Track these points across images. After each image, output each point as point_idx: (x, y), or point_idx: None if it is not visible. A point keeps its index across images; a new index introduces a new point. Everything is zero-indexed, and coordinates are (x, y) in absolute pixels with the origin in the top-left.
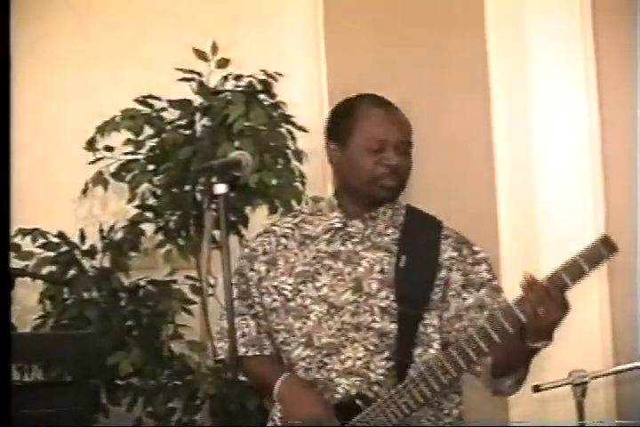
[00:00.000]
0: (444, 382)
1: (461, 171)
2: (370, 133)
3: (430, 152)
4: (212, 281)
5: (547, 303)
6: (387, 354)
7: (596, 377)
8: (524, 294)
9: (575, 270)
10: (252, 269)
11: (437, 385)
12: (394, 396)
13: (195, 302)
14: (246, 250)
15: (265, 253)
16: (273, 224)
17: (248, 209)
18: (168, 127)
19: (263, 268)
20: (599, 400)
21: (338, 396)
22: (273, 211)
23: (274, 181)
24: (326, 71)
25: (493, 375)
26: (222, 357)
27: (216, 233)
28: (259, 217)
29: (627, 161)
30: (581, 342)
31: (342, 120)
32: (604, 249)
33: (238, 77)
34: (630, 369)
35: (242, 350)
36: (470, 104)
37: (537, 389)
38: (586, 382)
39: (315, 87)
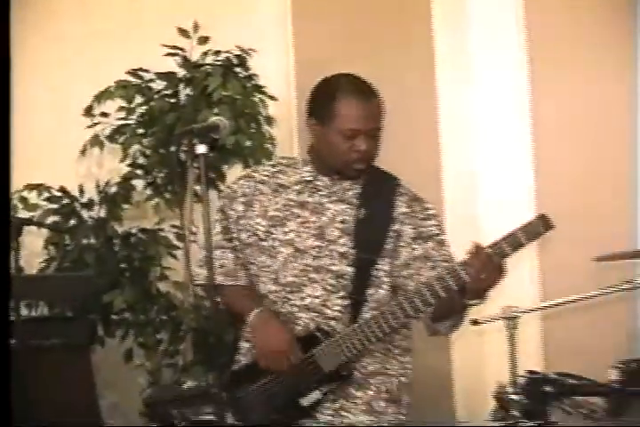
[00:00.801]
0: (394, 326)
1: (408, 139)
2: (346, 122)
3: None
4: (193, 229)
5: (488, 268)
6: (342, 293)
7: (526, 312)
8: (469, 259)
9: (514, 242)
10: (231, 209)
11: (388, 328)
12: (350, 333)
13: (179, 248)
14: (228, 190)
15: (244, 195)
16: (253, 170)
17: (225, 167)
18: (156, 96)
19: (241, 208)
20: (528, 331)
21: (299, 328)
22: (247, 168)
23: (247, 143)
24: (293, 47)
25: (432, 320)
26: (200, 282)
27: (197, 188)
28: (234, 174)
29: (556, 126)
30: (513, 281)
31: (323, 102)
32: (541, 226)
33: (217, 53)
34: (554, 305)
35: (219, 279)
36: (417, 74)
37: (475, 322)
38: (517, 317)
39: (283, 61)
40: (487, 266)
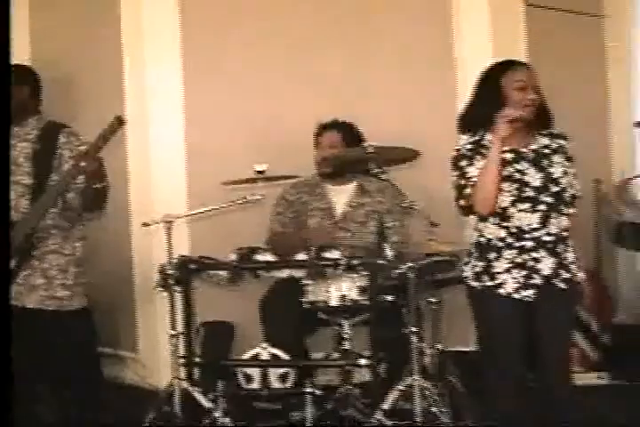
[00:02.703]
0: (50, 205)
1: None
2: None
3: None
4: None
5: (87, 159)
6: (29, 197)
7: (179, 217)
8: (74, 160)
9: (104, 138)
10: None
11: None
12: (27, 215)
13: None
14: None
15: None
16: None
17: None
18: None
19: None
20: (181, 229)
21: None
22: None
23: None
24: (30, 39)
25: (84, 211)
26: None
27: None
28: None
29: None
30: (170, 197)
31: None
32: (116, 124)
33: None
34: (201, 212)
35: None
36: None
37: (145, 224)
38: (172, 220)
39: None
40: (87, 159)
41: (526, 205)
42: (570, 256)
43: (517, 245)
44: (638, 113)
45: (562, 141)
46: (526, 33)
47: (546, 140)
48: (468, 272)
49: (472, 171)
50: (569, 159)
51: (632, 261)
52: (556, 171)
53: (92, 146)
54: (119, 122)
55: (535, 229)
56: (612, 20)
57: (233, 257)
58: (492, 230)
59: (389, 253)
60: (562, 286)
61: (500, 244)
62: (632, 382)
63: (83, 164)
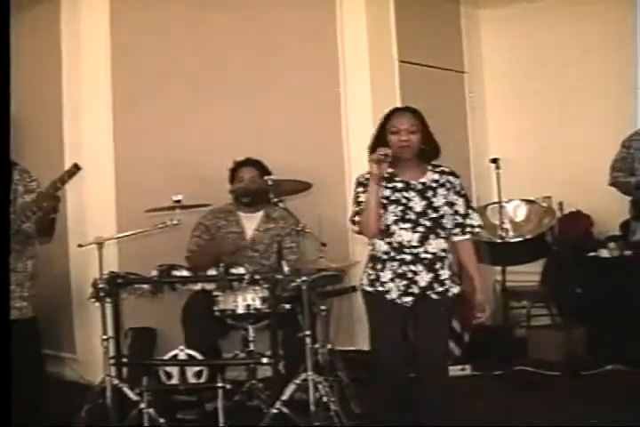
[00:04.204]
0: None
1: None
2: None
3: None
4: None
5: (47, 198)
6: None
7: (109, 240)
8: (38, 196)
9: (62, 180)
10: None
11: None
12: None
13: None
14: None
15: None
16: None
17: None
18: None
19: None
20: (111, 251)
21: None
22: None
23: None
24: None
25: (40, 236)
26: None
27: None
28: None
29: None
30: (99, 219)
31: None
32: (74, 169)
33: None
34: (127, 235)
35: None
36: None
37: (80, 245)
38: (102, 243)
39: None
40: (45, 197)
41: (407, 225)
42: (445, 273)
43: (398, 257)
44: (492, 150)
45: (451, 178)
46: (400, 85)
47: (435, 176)
48: (364, 280)
49: (363, 197)
50: (458, 193)
51: (487, 273)
52: (438, 201)
53: (52, 186)
54: (76, 168)
55: (414, 247)
56: (470, 76)
57: (154, 273)
58: (379, 245)
59: (286, 269)
60: (434, 297)
61: (385, 257)
62: (488, 373)
63: (44, 204)
